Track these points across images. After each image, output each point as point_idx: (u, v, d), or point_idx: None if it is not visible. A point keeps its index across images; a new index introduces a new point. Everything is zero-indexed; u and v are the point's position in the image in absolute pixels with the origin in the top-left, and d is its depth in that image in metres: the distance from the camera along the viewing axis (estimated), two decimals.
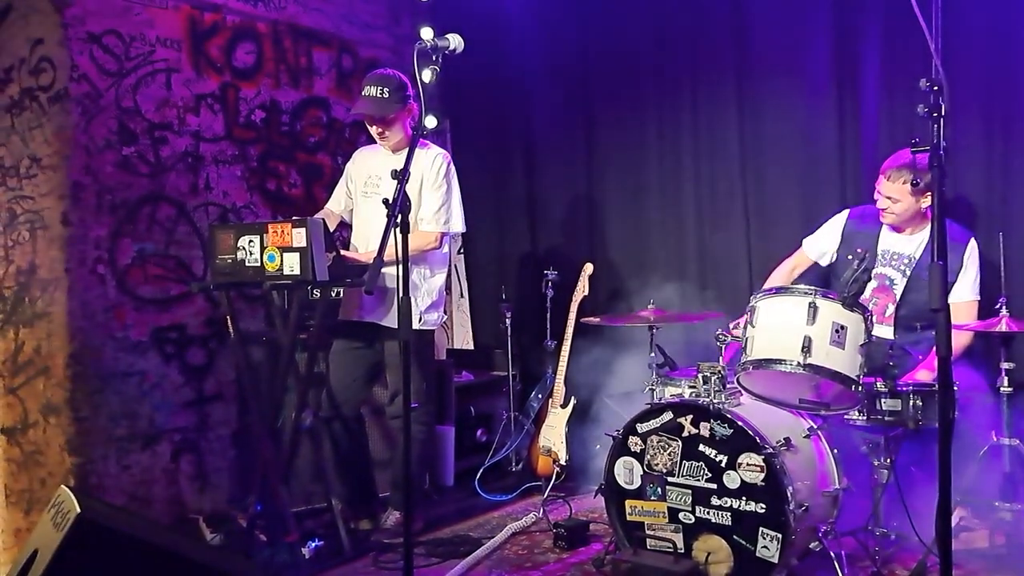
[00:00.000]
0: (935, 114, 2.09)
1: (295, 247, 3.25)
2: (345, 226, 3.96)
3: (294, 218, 3.35)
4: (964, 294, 3.46)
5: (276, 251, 3.29)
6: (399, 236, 2.44)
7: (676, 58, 4.62)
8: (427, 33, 4.97)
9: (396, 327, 3.48)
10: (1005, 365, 3.16)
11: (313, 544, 3.46)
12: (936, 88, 2.08)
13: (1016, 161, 3.79)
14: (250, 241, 3.36)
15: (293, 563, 3.37)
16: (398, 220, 2.44)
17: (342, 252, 3.49)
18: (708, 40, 4.51)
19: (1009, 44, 3.76)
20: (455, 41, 2.73)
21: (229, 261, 3.41)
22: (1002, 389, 3.16)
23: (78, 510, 2.31)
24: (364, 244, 3.70)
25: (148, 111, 3.86)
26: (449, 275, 3.83)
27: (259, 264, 3.33)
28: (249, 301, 4.16)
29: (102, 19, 3.71)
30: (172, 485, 3.92)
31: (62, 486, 2.51)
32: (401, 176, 2.46)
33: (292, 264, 3.26)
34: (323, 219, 3.42)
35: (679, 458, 3.01)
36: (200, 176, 4.06)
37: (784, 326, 2.97)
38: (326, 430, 3.71)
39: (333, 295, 3.53)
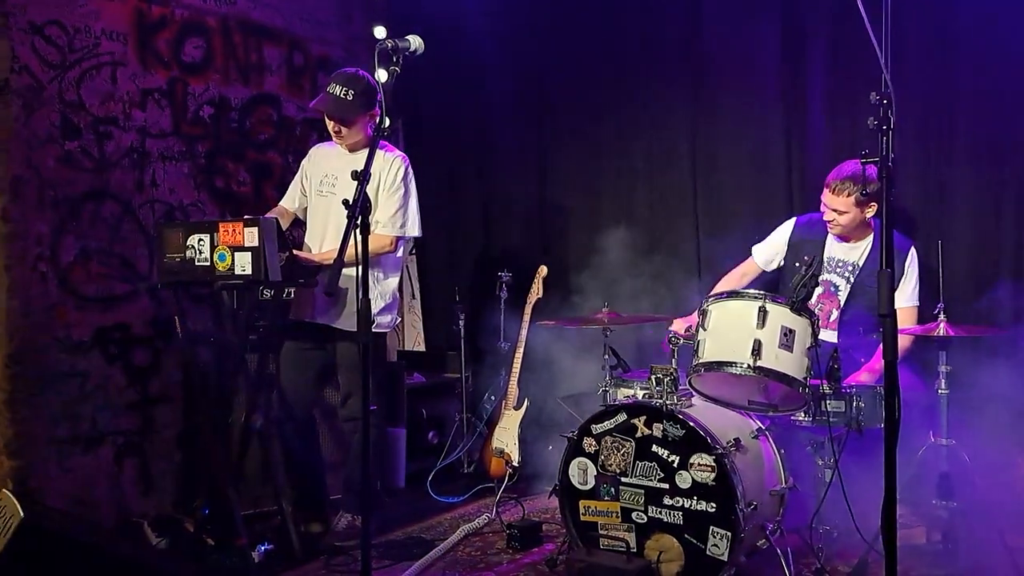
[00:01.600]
0: (884, 127, 2.16)
1: (247, 246, 3.20)
2: (299, 224, 3.91)
3: (246, 217, 3.30)
4: (905, 300, 3.58)
5: (227, 250, 3.23)
6: (359, 238, 2.43)
7: (631, 65, 4.69)
8: (380, 32, 4.93)
9: (349, 329, 3.54)
10: (943, 368, 3.29)
11: (263, 548, 3.42)
12: (885, 102, 2.15)
13: (952, 173, 3.95)
14: (200, 240, 3.29)
15: (242, 567, 3.32)
16: (358, 222, 2.42)
17: (295, 252, 3.45)
18: (662, 49, 4.61)
19: (947, 59, 3.92)
20: (416, 42, 2.73)
21: (178, 260, 3.35)
22: (940, 391, 3.28)
23: (21, 515, 2.26)
24: (318, 243, 3.66)
25: (92, 105, 3.76)
26: (401, 277, 3.81)
27: (209, 263, 3.28)
28: (196, 301, 4.08)
29: (45, 9, 3.60)
30: (115, 488, 3.83)
31: (3, 490, 2.45)
32: (362, 177, 2.45)
33: (244, 264, 3.21)
34: (276, 218, 3.38)
35: (632, 458, 3.05)
36: (146, 173, 3.97)
37: (734, 329, 3.04)
38: (276, 432, 3.66)
39: (285, 296, 3.50)
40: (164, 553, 3.52)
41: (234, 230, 3.22)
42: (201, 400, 3.59)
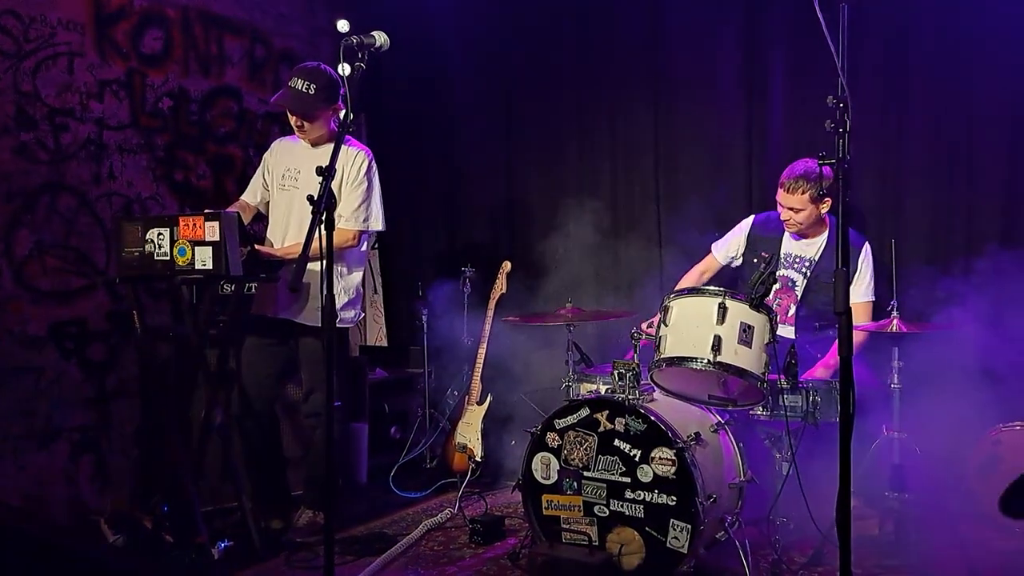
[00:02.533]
0: (840, 129, 2.20)
1: (208, 241, 3.17)
2: (260, 219, 3.88)
3: (207, 211, 3.26)
4: (859, 296, 3.66)
5: (187, 244, 3.20)
6: (323, 233, 2.42)
7: (595, 64, 4.74)
8: (343, 25, 4.91)
9: (312, 324, 3.52)
10: (896, 363, 3.37)
11: (223, 544, 3.38)
12: (842, 105, 2.20)
13: (906, 172, 4.04)
14: (159, 234, 3.25)
15: (202, 564, 3.29)
16: (323, 217, 2.41)
17: (257, 247, 3.42)
18: (626, 48, 4.66)
19: (902, 62, 4.01)
20: (381, 38, 2.72)
21: (136, 254, 3.30)
22: (893, 385, 3.36)
23: None
24: (281, 237, 3.63)
25: (48, 96, 3.70)
26: (364, 272, 3.80)
27: (169, 258, 3.24)
28: (154, 295, 4.03)
29: None
30: (71, 485, 3.78)
31: None
32: (326, 173, 2.44)
33: (204, 258, 3.18)
34: (237, 212, 3.35)
35: (595, 453, 3.08)
36: (103, 165, 3.91)
37: (695, 325, 3.08)
38: (237, 428, 3.63)
39: (246, 290, 3.47)
40: (121, 551, 3.47)
41: (195, 224, 3.19)
42: (160, 396, 3.54)
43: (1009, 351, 3.25)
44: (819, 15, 2.16)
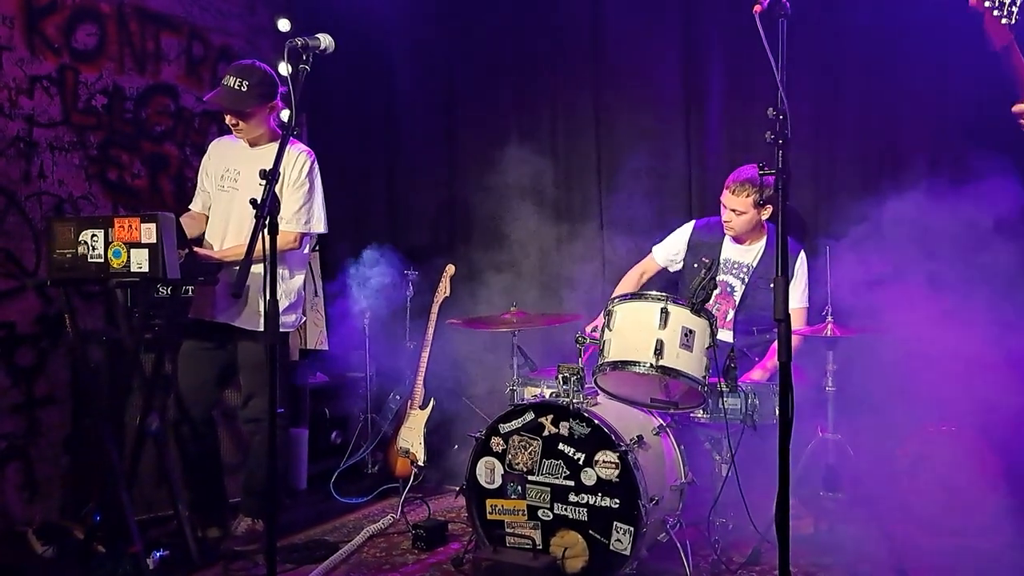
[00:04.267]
0: (780, 141, 2.26)
1: (144, 243, 3.09)
2: None
3: (143, 212, 3.18)
4: (794, 302, 3.74)
5: (122, 247, 3.11)
6: (267, 238, 2.38)
7: (537, 67, 4.76)
8: (284, 24, 4.86)
9: (251, 328, 3.46)
10: (830, 367, 3.47)
11: (158, 554, 3.29)
12: (781, 117, 2.25)
13: (840, 181, 4.16)
14: (93, 235, 3.16)
15: (136, 575, 3.20)
16: (266, 222, 2.37)
17: (195, 249, 3.35)
18: (567, 55, 4.71)
19: (835, 73, 4.13)
20: (326, 41, 2.68)
21: (68, 256, 3.20)
22: (827, 388, 3.46)
23: None
24: (220, 239, 3.56)
25: None
26: (305, 275, 3.75)
27: (103, 260, 3.15)
28: (86, 298, 3.92)
29: None
30: None
31: None
32: (270, 177, 2.40)
33: (140, 261, 3.10)
34: (173, 215, 3.26)
35: (539, 457, 3.10)
36: (33, 163, 3.78)
37: (638, 330, 3.12)
38: (173, 434, 3.55)
39: (183, 293, 3.39)
40: (51, 563, 3.37)
41: (130, 226, 3.10)
42: (92, 401, 3.44)
43: (938, 355, 3.37)
44: (760, 30, 2.21)
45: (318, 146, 3.92)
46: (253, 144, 3.55)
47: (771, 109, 2.27)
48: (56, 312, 3.70)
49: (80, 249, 3.17)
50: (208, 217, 3.65)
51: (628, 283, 4.01)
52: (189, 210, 3.71)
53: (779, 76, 2.26)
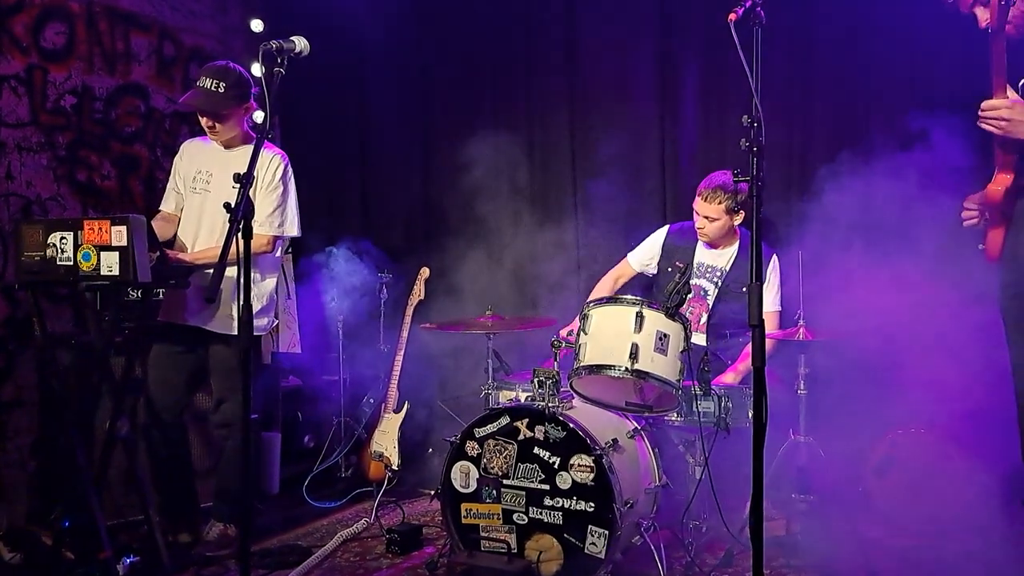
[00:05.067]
0: (754, 148, 2.28)
1: (114, 246, 3.05)
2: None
3: (113, 215, 3.14)
4: (767, 306, 3.78)
5: (92, 249, 3.07)
6: (241, 242, 2.36)
7: (513, 73, 4.77)
8: (257, 24, 4.82)
9: (223, 331, 3.43)
10: (802, 370, 3.51)
11: (128, 560, 3.26)
12: (755, 125, 2.27)
13: (812, 187, 4.20)
14: (62, 238, 3.11)
15: None
16: (240, 226, 2.35)
17: (167, 252, 3.31)
18: (543, 59, 4.72)
19: (806, 82, 4.18)
20: (301, 44, 2.67)
21: (37, 259, 3.15)
22: (799, 391, 3.50)
23: None
24: (191, 241, 3.53)
25: None
26: (277, 277, 3.72)
27: (72, 263, 3.10)
28: (55, 301, 3.85)
29: None
30: None
31: None
32: (244, 181, 2.38)
33: (111, 264, 3.05)
34: (144, 217, 3.22)
35: (514, 461, 3.10)
36: (1, 164, 3.71)
37: (614, 334, 3.14)
38: (143, 438, 3.50)
39: (154, 296, 3.35)
40: (19, 569, 3.31)
41: (100, 228, 3.06)
42: (60, 405, 3.38)
43: (906, 359, 3.42)
44: (735, 38, 2.22)
45: (291, 147, 3.91)
46: (227, 146, 3.53)
47: (746, 117, 2.29)
48: (24, 315, 3.64)
49: (49, 252, 3.12)
50: (178, 217, 3.62)
51: (604, 287, 4.03)
52: (160, 211, 3.67)
53: (753, 84, 2.28)
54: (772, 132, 4.01)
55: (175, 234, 3.58)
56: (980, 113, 2.50)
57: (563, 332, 3.63)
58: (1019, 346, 2.68)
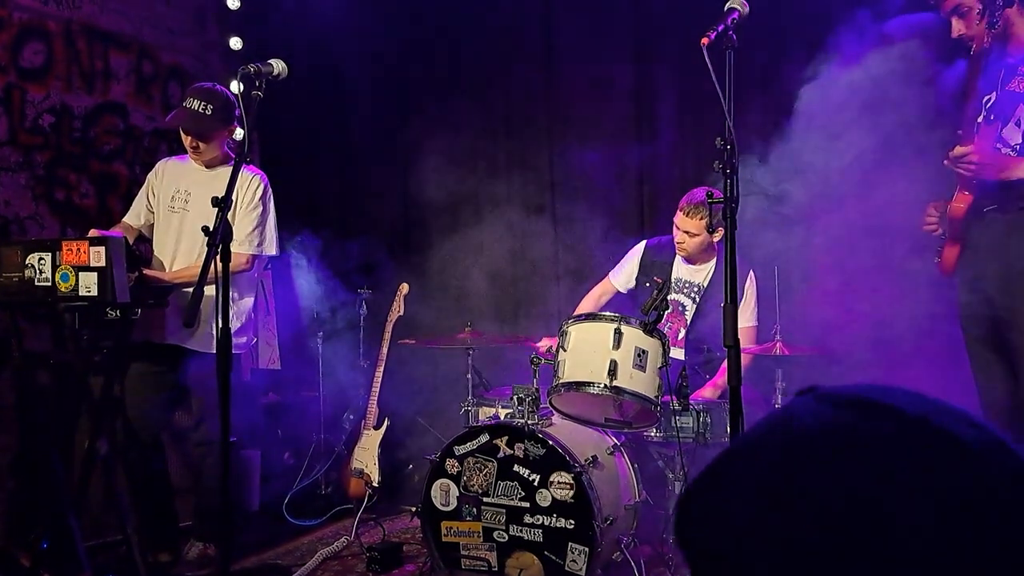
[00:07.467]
0: (728, 171, 2.31)
1: (93, 266, 3.05)
2: (142, 240, 3.74)
3: (92, 235, 3.14)
4: (744, 321, 3.80)
5: (70, 270, 3.07)
6: (219, 264, 2.37)
7: (493, 88, 4.80)
8: (236, 43, 4.83)
9: (202, 350, 3.42)
10: (779, 384, 3.53)
11: None
12: (729, 147, 2.31)
13: (789, 202, 4.25)
14: (40, 259, 3.11)
15: None
16: (219, 249, 2.36)
17: (145, 272, 3.31)
18: (522, 72, 4.74)
19: (783, 95, 4.23)
20: (279, 67, 2.69)
21: (15, 279, 3.14)
22: (776, 405, 3.52)
23: None
24: (169, 261, 3.53)
25: None
26: (256, 293, 3.72)
27: (50, 283, 3.10)
28: (33, 320, 3.83)
29: None
30: None
31: None
32: (223, 204, 2.39)
33: (89, 284, 3.05)
34: (124, 237, 3.23)
35: (494, 478, 3.11)
36: None
37: (592, 350, 3.16)
38: (122, 457, 3.48)
39: (132, 315, 3.34)
40: None
41: (79, 249, 3.06)
42: (39, 425, 3.37)
43: (879, 373, 3.46)
44: (708, 61, 2.26)
45: (270, 164, 3.92)
46: (208, 166, 3.54)
47: (719, 139, 2.32)
48: (2, 334, 3.62)
49: (27, 272, 3.11)
50: (140, 231, 3.64)
51: (587, 305, 4.05)
52: (123, 221, 3.67)
53: (726, 106, 2.32)
54: (744, 144, 4.12)
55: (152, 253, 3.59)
56: (951, 155, 2.59)
57: (542, 347, 3.64)
58: (979, 359, 2.80)
